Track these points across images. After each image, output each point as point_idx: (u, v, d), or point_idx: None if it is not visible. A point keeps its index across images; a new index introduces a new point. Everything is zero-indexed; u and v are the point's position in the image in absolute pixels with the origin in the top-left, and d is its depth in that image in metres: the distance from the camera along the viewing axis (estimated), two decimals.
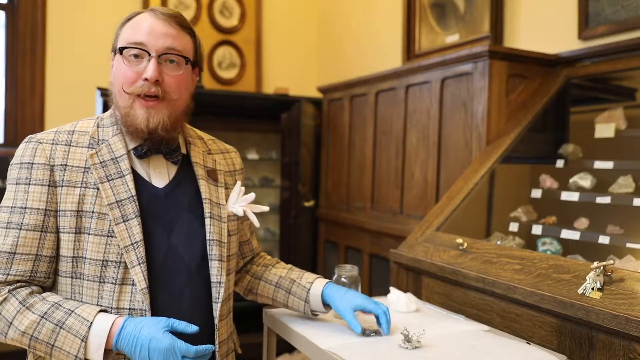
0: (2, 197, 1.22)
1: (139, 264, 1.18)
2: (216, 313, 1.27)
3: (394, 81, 2.88)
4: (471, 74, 2.35)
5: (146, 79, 1.20)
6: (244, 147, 4.13)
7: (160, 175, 1.29)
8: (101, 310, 1.15)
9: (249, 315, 2.50)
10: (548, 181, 2.03)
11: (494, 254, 1.71)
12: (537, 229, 1.91)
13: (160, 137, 1.24)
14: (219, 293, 1.27)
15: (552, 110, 2.27)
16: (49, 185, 1.20)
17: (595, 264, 1.38)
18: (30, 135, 1.25)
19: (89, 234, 1.19)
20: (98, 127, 1.28)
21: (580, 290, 1.38)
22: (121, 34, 1.25)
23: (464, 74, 2.40)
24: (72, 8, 3.75)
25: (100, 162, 1.23)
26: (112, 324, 1.12)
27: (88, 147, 1.24)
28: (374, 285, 2.96)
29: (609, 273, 1.37)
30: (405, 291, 1.75)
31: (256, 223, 1.36)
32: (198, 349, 1.11)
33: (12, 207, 1.19)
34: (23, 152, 1.22)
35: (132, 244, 1.18)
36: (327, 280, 1.45)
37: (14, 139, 3.61)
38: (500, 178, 2.18)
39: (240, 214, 1.35)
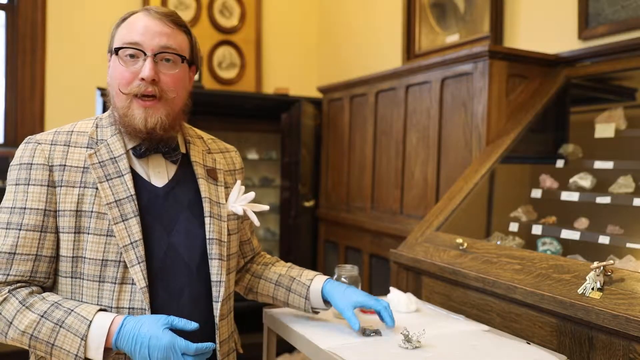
0: (2, 197, 1.23)
1: (138, 263, 1.18)
2: (216, 312, 1.27)
3: (394, 81, 2.88)
4: (471, 74, 2.35)
5: (143, 79, 1.20)
6: (244, 147, 4.13)
7: (159, 174, 1.29)
8: (101, 309, 1.15)
9: (249, 315, 2.50)
10: (548, 181, 2.03)
11: (494, 254, 1.71)
12: (537, 229, 1.91)
13: (159, 136, 1.24)
14: (219, 292, 1.27)
15: (552, 110, 2.27)
16: (48, 186, 1.20)
17: (595, 264, 1.38)
18: (29, 136, 1.25)
19: (88, 233, 1.19)
20: (97, 127, 1.29)
21: (580, 290, 1.38)
22: (116, 35, 1.25)
23: (464, 74, 2.40)
24: (72, 8, 3.75)
25: (99, 162, 1.23)
26: (112, 323, 1.12)
27: (87, 147, 1.24)
28: (374, 285, 2.96)
29: (609, 273, 1.37)
30: (405, 291, 1.75)
31: (256, 222, 1.36)
32: (198, 347, 1.11)
33: (11, 207, 1.19)
34: (22, 153, 1.23)
35: (131, 243, 1.19)
36: (327, 277, 1.45)
37: (14, 139, 3.61)
38: (500, 178, 2.18)
39: (240, 213, 1.35)
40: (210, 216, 1.29)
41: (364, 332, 1.37)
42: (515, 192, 2.19)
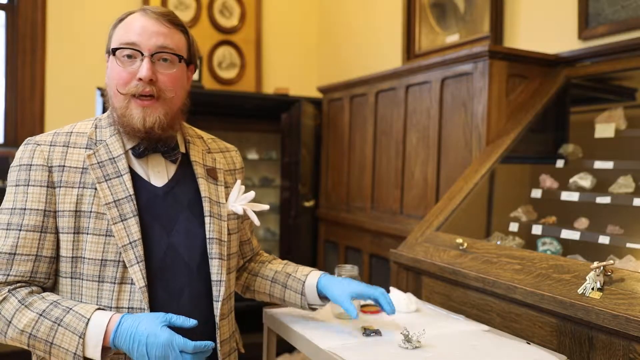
0: (1, 198, 1.23)
1: (137, 262, 1.18)
2: (217, 312, 1.27)
3: (394, 81, 2.88)
4: (471, 74, 2.35)
5: (140, 79, 1.20)
6: (244, 147, 4.13)
7: (159, 174, 1.29)
8: (99, 308, 1.15)
9: (249, 315, 2.50)
10: (548, 181, 2.03)
11: (494, 254, 1.71)
12: (537, 229, 1.91)
13: (158, 136, 1.25)
14: (219, 291, 1.27)
15: (552, 110, 2.27)
16: (47, 187, 1.20)
17: (595, 264, 1.38)
18: (29, 138, 1.26)
19: (87, 233, 1.19)
20: (96, 128, 1.29)
21: (580, 290, 1.38)
22: (114, 35, 1.26)
23: (464, 74, 2.40)
24: (72, 8, 3.75)
25: (98, 163, 1.23)
26: (110, 320, 1.12)
27: (86, 148, 1.25)
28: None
29: (609, 273, 1.37)
30: (405, 291, 1.75)
31: (256, 221, 1.36)
32: (197, 345, 1.10)
33: (12, 208, 1.20)
34: (22, 154, 1.23)
35: (130, 242, 1.19)
36: (323, 272, 1.44)
37: (14, 139, 3.61)
38: (500, 178, 2.18)
39: (240, 212, 1.35)
40: (210, 215, 1.29)
41: (364, 332, 1.37)
42: (515, 192, 2.19)
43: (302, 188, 3.59)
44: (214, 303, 1.27)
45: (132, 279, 1.19)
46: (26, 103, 3.62)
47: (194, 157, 1.35)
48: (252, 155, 4.15)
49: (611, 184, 1.86)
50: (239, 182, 1.39)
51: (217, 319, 1.27)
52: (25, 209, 1.19)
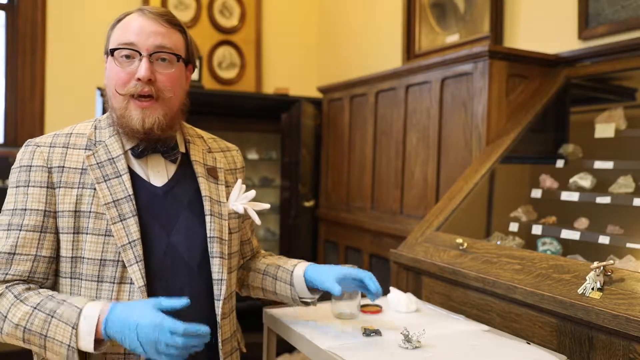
0: (1, 198, 1.23)
1: (136, 262, 1.18)
2: (218, 311, 1.27)
3: (394, 81, 2.88)
4: (471, 74, 2.35)
5: (139, 79, 1.20)
6: (244, 147, 4.13)
7: (159, 174, 1.29)
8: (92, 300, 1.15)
9: (249, 315, 2.50)
10: (548, 181, 2.03)
11: (494, 254, 1.71)
12: (537, 229, 1.91)
13: (157, 136, 1.25)
14: (220, 290, 1.27)
15: (552, 110, 2.27)
16: (47, 187, 1.21)
17: (595, 264, 1.38)
18: (29, 140, 1.27)
19: (86, 233, 1.19)
20: (95, 128, 1.30)
21: (580, 290, 1.38)
22: (112, 36, 1.26)
23: (464, 74, 2.40)
24: (72, 8, 3.75)
25: (97, 163, 1.23)
26: (101, 310, 1.10)
27: (85, 149, 1.25)
28: None
29: (609, 273, 1.37)
30: (405, 291, 1.75)
31: (257, 220, 1.36)
32: (187, 328, 1.06)
33: (13, 209, 1.20)
34: (22, 155, 1.24)
35: (129, 242, 1.19)
36: (311, 263, 1.42)
37: (14, 139, 3.61)
38: (500, 178, 2.18)
39: (241, 211, 1.35)
40: (210, 214, 1.29)
41: (364, 332, 1.37)
42: (515, 192, 2.19)
43: (302, 188, 3.59)
44: (215, 302, 1.27)
45: (131, 279, 1.19)
46: (26, 103, 3.62)
47: (194, 156, 1.35)
48: (252, 155, 4.15)
49: (611, 184, 1.86)
50: (239, 181, 1.39)
51: (218, 318, 1.27)
52: (25, 209, 1.19)
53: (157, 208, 1.26)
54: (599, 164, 1.92)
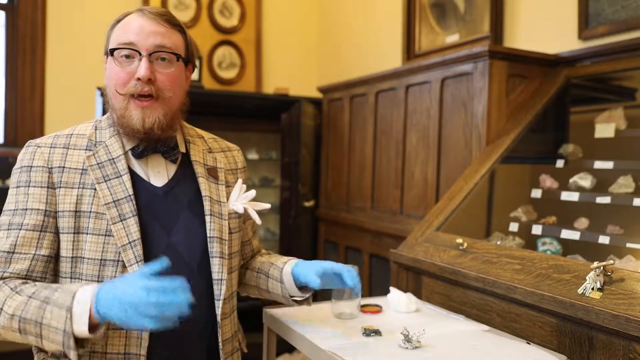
0: (1, 198, 1.24)
1: (137, 262, 1.18)
2: (218, 311, 1.27)
3: (394, 81, 2.88)
4: (471, 74, 2.35)
5: (139, 79, 1.21)
6: (244, 147, 4.13)
7: (159, 174, 1.30)
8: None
9: (249, 315, 2.50)
10: (548, 181, 2.03)
11: (494, 254, 1.71)
12: (537, 229, 1.91)
13: (157, 136, 1.25)
14: (220, 290, 1.27)
15: (552, 110, 2.27)
16: (47, 187, 1.21)
17: (595, 264, 1.38)
18: (30, 141, 1.28)
19: (87, 233, 1.20)
20: (96, 129, 1.30)
21: (580, 290, 1.38)
22: (111, 36, 1.26)
23: (464, 74, 2.40)
24: (72, 8, 3.75)
25: (97, 164, 1.24)
26: (93, 291, 1.07)
27: (86, 149, 1.26)
28: (374, 285, 2.96)
29: (609, 273, 1.37)
30: (405, 291, 1.75)
31: (257, 220, 1.36)
32: (151, 266, 1.04)
33: (14, 210, 1.21)
34: (23, 156, 1.25)
35: (129, 242, 1.19)
36: (301, 260, 1.40)
37: (14, 139, 3.61)
38: (500, 178, 2.18)
39: (241, 211, 1.35)
40: (210, 214, 1.29)
41: (364, 332, 1.37)
42: (515, 192, 2.19)
43: (302, 188, 3.59)
44: (215, 302, 1.27)
45: None
46: (26, 103, 3.62)
47: (194, 156, 1.35)
48: (252, 155, 4.15)
49: (611, 184, 1.86)
50: (240, 181, 1.39)
51: (218, 318, 1.27)
52: (26, 209, 1.19)
53: (157, 208, 1.26)
54: (599, 164, 1.92)
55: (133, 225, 1.20)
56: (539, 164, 2.22)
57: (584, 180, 1.92)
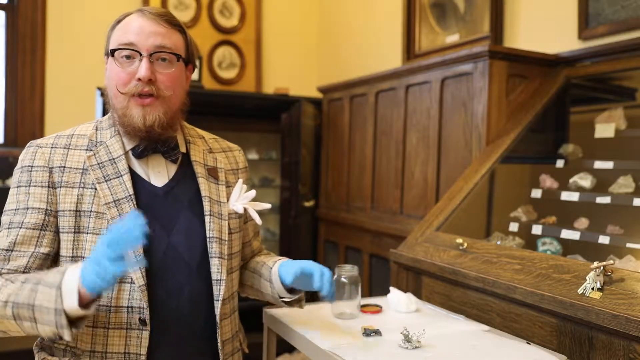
0: (1, 198, 1.24)
1: (137, 261, 1.18)
2: (217, 311, 1.27)
3: (394, 81, 2.88)
4: (471, 74, 2.35)
5: (139, 79, 1.21)
6: (244, 147, 4.09)
7: (159, 174, 1.30)
8: None
9: (249, 315, 2.50)
10: (548, 181, 2.03)
11: (494, 254, 1.71)
12: (537, 229, 1.91)
13: (158, 134, 1.25)
14: (219, 291, 1.27)
15: (552, 110, 2.27)
16: (48, 187, 1.22)
17: (595, 264, 1.38)
18: (31, 141, 1.29)
19: (87, 233, 1.20)
20: (96, 129, 1.31)
21: (580, 290, 1.38)
22: (112, 37, 1.27)
23: (464, 74, 2.40)
24: (72, 8, 3.75)
25: (98, 164, 1.25)
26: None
27: (86, 150, 1.27)
28: (374, 285, 2.96)
29: (609, 273, 1.37)
30: (405, 291, 1.75)
31: (258, 220, 1.36)
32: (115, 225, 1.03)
33: (15, 209, 1.21)
34: (24, 156, 1.26)
35: None
36: (291, 260, 1.38)
37: (14, 139, 3.61)
38: (500, 178, 2.18)
39: (240, 211, 1.35)
40: (210, 214, 1.29)
41: (364, 332, 1.37)
42: (515, 192, 2.19)
43: (302, 188, 3.59)
44: (215, 302, 1.27)
45: (131, 278, 1.19)
46: (26, 103, 3.62)
47: (195, 156, 1.35)
48: (252, 155, 4.15)
49: (611, 184, 1.86)
50: (240, 181, 1.39)
51: (217, 318, 1.27)
52: (27, 208, 1.20)
53: (158, 208, 1.26)
54: (599, 164, 1.92)
55: None
56: (539, 164, 2.22)
57: (584, 180, 1.92)
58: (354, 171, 3.26)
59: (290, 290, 1.36)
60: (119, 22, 1.28)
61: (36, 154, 1.24)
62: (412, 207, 2.72)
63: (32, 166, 1.23)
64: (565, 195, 1.92)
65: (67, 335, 1.05)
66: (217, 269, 1.27)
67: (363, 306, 1.59)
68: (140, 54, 1.22)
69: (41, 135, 3.60)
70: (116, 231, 1.01)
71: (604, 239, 1.71)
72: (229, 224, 1.33)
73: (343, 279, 1.55)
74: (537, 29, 2.57)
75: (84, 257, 1.19)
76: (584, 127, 2.16)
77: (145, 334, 1.19)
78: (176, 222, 1.27)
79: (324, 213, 3.56)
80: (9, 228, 1.19)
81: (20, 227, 1.18)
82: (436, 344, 1.30)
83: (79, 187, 1.22)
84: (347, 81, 3.31)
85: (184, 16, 4.02)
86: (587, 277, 1.38)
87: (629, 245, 1.65)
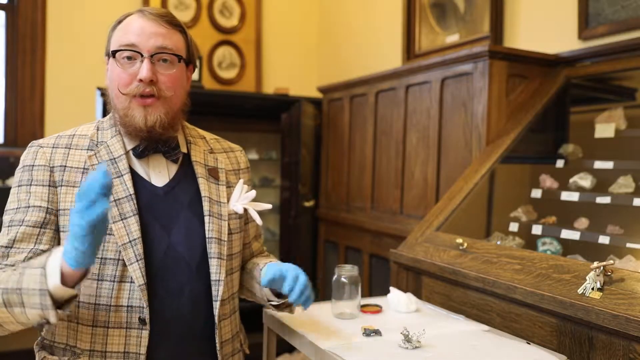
0: (1, 198, 1.25)
1: (137, 260, 1.19)
2: (215, 311, 1.27)
3: (394, 81, 2.88)
4: (471, 74, 2.35)
5: (141, 80, 1.21)
6: (244, 147, 4.09)
7: (160, 174, 1.30)
8: None
9: (249, 315, 2.50)
10: (548, 181, 2.03)
11: (494, 254, 1.71)
12: (537, 229, 1.91)
13: (159, 134, 1.26)
14: (218, 291, 1.27)
15: (552, 110, 2.27)
16: (49, 186, 1.22)
17: (595, 264, 1.38)
18: (33, 141, 1.29)
19: None
20: (98, 130, 1.31)
21: (580, 290, 1.38)
22: (113, 37, 1.27)
23: (464, 74, 2.40)
24: (72, 8, 3.75)
25: (99, 163, 1.25)
26: None
27: (87, 149, 1.27)
28: (374, 285, 2.96)
29: (609, 273, 1.37)
30: (405, 291, 1.75)
31: (258, 220, 1.36)
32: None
33: (16, 208, 1.22)
34: (25, 156, 1.27)
35: (130, 241, 1.19)
36: (278, 262, 1.35)
37: (14, 139, 3.61)
38: (500, 178, 2.18)
39: (240, 211, 1.35)
40: (209, 215, 1.29)
41: (364, 332, 1.37)
42: (515, 192, 2.19)
43: (302, 188, 3.59)
44: (213, 303, 1.27)
45: (131, 277, 1.19)
46: (26, 103, 3.62)
47: (195, 157, 1.36)
48: (252, 155, 4.15)
49: (611, 184, 1.86)
50: (241, 181, 1.39)
51: (216, 319, 1.27)
52: (28, 206, 1.20)
53: (158, 208, 1.26)
54: (599, 164, 1.92)
55: (134, 224, 1.20)
56: (539, 164, 2.22)
57: (584, 180, 1.92)
58: (354, 171, 3.26)
59: (280, 294, 1.33)
60: (119, 22, 1.28)
61: (37, 154, 1.25)
62: (412, 207, 2.72)
63: (33, 165, 1.24)
64: (565, 195, 1.93)
65: (52, 317, 1.03)
66: (215, 269, 1.27)
67: (363, 306, 1.59)
68: (142, 55, 1.22)
69: (41, 135, 3.60)
70: (81, 186, 0.99)
71: (604, 239, 1.71)
72: (229, 225, 1.33)
73: (343, 279, 1.55)
74: (537, 29, 2.57)
75: None
76: (584, 127, 2.16)
77: (145, 333, 1.19)
78: (176, 222, 1.27)
79: (324, 213, 3.56)
80: (9, 226, 1.20)
81: (21, 225, 1.19)
82: (436, 344, 1.30)
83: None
84: (347, 81, 3.31)
85: (184, 16, 4.02)
86: (587, 277, 1.38)
87: (629, 245, 1.65)
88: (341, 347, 1.27)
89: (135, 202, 1.23)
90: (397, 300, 1.61)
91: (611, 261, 1.47)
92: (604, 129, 2.00)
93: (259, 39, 4.31)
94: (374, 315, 1.55)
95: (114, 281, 1.19)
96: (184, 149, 1.36)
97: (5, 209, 1.24)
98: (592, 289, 1.36)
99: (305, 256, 3.61)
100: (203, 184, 1.32)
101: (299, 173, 3.57)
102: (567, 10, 2.41)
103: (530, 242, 1.90)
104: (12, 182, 1.27)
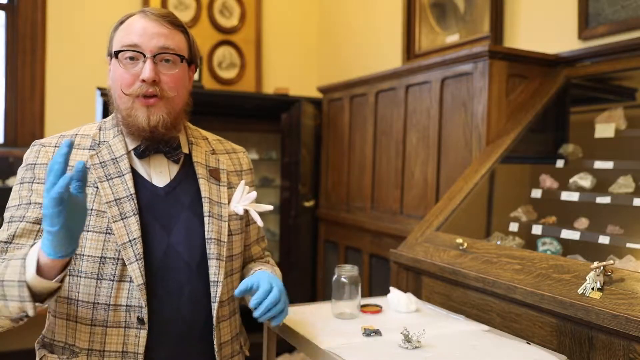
0: (2, 198, 1.25)
1: (137, 260, 1.19)
2: (214, 312, 1.26)
3: (394, 81, 2.88)
4: (471, 74, 2.35)
5: (143, 80, 1.22)
6: (244, 147, 4.10)
7: (161, 174, 1.30)
8: None
9: (249, 315, 2.50)
10: (548, 181, 2.03)
11: (494, 254, 1.71)
12: (537, 229, 1.91)
13: (161, 134, 1.26)
14: (216, 292, 1.27)
15: (552, 110, 2.27)
16: None
17: (595, 264, 1.38)
18: (35, 140, 1.30)
19: (87, 231, 1.20)
20: (100, 129, 1.32)
21: (580, 290, 1.38)
22: (115, 38, 1.27)
23: (464, 74, 2.40)
24: (72, 8, 3.75)
25: (100, 162, 1.25)
26: None
27: (89, 149, 1.27)
28: (374, 285, 2.96)
29: (609, 273, 1.37)
30: (405, 291, 1.75)
31: (259, 221, 1.36)
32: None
33: (18, 205, 1.22)
34: (28, 155, 1.27)
35: (129, 240, 1.19)
36: (271, 270, 1.35)
37: (14, 139, 3.61)
38: (500, 178, 2.18)
39: (240, 212, 1.35)
40: (209, 216, 1.29)
41: (364, 332, 1.37)
42: (515, 192, 2.19)
43: (302, 188, 3.59)
44: (212, 304, 1.27)
45: (131, 277, 1.19)
46: (26, 103, 3.62)
47: (197, 157, 1.36)
48: (252, 155, 4.15)
49: (611, 184, 1.86)
50: (242, 182, 1.39)
51: (214, 320, 1.26)
52: (30, 203, 1.21)
53: (158, 208, 1.27)
54: (599, 164, 1.92)
55: (134, 224, 1.21)
56: (539, 164, 2.22)
57: (584, 180, 1.92)
58: (354, 171, 3.26)
59: None
60: (121, 23, 1.28)
61: (40, 153, 1.26)
62: (412, 207, 2.72)
63: (35, 164, 1.24)
64: (565, 195, 1.93)
65: (29, 309, 1.02)
66: (214, 270, 1.27)
67: (363, 306, 1.59)
68: (144, 55, 1.22)
69: (41, 135, 3.60)
70: (51, 188, 0.94)
71: (604, 239, 1.71)
72: (229, 226, 1.32)
73: (343, 279, 1.55)
74: (537, 29, 2.57)
75: (83, 255, 1.19)
76: (584, 127, 2.16)
77: (143, 333, 1.19)
78: (176, 222, 1.27)
79: (324, 213, 3.56)
80: (9, 222, 1.20)
81: (21, 221, 1.19)
82: (436, 344, 1.30)
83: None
84: (347, 81, 3.31)
85: (184, 16, 4.02)
86: (587, 277, 1.38)
87: (629, 245, 1.65)
88: (341, 347, 1.27)
89: (135, 201, 1.23)
90: (397, 300, 1.61)
91: (611, 261, 1.47)
92: (604, 129, 2.00)
93: (259, 39, 4.31)
94: (374, 315, 1.55)
95: (113, 280, 1.19)
96: (185, 150, 1.36)
97: (6, 205, 1.24)
98: (592, 289, 1.36)
99: (305, 256, 3.61)
100: (204, 185, 1.32)
101: (299, 173, 3.57)
102: (567, 10, 2.41)
103: (530, 242, 1.90)
104: (14, 180, 1.28)
